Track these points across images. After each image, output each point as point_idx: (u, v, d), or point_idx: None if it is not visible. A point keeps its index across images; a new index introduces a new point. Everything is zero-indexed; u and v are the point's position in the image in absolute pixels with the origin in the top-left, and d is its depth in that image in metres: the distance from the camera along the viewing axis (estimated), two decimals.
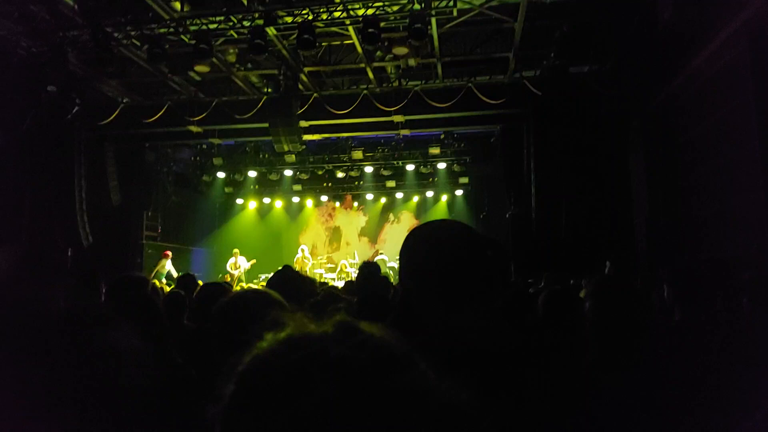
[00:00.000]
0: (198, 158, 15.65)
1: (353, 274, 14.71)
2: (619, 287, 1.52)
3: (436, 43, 9.46)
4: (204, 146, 14.67)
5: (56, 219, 10.92)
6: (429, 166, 15.82)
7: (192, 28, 8.84)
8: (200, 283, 5.51)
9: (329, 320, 0.58)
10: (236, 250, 14.02)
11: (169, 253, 12.87)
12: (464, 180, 15.91)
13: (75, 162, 11.40)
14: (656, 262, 7.88)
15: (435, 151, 14.59)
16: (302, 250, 15.48)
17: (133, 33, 8.86)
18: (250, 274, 14.32)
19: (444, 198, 17.45)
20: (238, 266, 13.66)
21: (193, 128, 11.93)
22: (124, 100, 11.80)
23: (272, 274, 3.34)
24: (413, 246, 1.34)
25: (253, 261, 14.10)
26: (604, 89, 9.52)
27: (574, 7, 8.59)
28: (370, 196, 18.16)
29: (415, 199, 18.00)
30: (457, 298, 1.26)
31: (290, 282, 3.07)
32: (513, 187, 11.84)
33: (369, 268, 4.84)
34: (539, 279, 6.65)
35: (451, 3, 8.27)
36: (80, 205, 11.36)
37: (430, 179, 16.72)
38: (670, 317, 2.12)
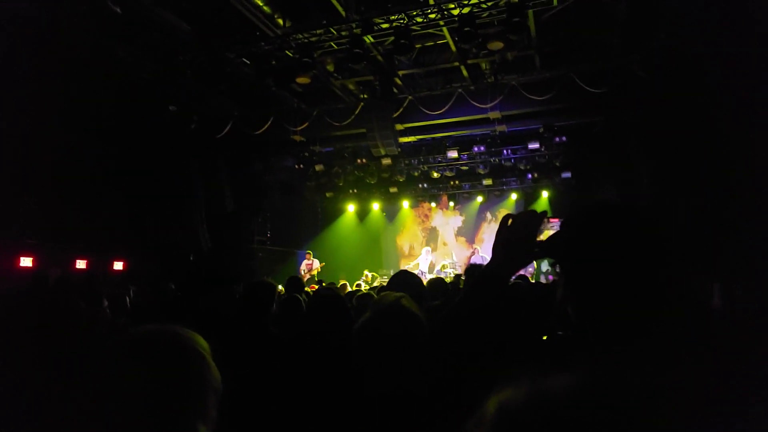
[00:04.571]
0: (300, 165, 16.38)
1: (452, 274, 14.65)
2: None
3: (533, 34, 9.19)
4: (306, 154, 15.32)
5: (178, 227, 11.97)
6: (528, 162, 15.34)
7: (294, 41, 9.29)
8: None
9: None
10: (309, 252, 14.64)
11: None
12: (566, 173, 15.22)
13: (193, 173, 12.41)
14: None
15: (534, 145, 14.10)
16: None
17: (242, 51, 9.49)
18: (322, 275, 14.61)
19: (545, 194, 16.79)
20: (311, 267, 14.17)
21: (297, 137, 12.53)
22: (234, 113, 12.67)
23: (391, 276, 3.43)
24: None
25: (323, 264, 14.65)
26: (723, 70, 8.69)
27: None
28: (466, 196, 17.96)
29: (514, 196, 17.50)
30: None
31: (410, 287, 3.13)
32: (620, 178, 11.17)
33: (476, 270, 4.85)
34: None
35: None
36: (199, 213, 12.35)
37: (530, 175, 16.19)
38: None
